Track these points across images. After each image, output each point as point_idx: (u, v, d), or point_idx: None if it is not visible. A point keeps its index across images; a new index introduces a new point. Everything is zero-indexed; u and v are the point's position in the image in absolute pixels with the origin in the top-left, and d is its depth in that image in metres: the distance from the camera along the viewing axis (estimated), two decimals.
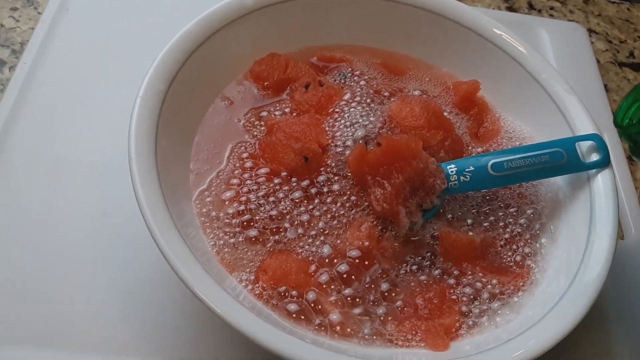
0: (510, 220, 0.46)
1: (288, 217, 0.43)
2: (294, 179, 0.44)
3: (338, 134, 0.46)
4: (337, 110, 0.48)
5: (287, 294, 0.40)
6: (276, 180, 0.44)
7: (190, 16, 0.47)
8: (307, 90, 0.49)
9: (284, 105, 0.49)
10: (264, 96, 0.50)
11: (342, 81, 0.52)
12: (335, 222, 0.43)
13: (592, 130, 0.46)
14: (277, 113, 0.48)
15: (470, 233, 0.44)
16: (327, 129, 0.47)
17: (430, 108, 0.47)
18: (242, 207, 0.43)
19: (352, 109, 0.48)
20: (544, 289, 0.42)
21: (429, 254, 0.43)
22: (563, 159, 0.44)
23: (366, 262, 0.42)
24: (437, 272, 0.43)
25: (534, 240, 0.45)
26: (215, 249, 0.41)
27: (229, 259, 0.41)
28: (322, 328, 0.39)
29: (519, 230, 0.45)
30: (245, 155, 0.46)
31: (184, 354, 0.41)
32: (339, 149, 0.45)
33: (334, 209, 0.43)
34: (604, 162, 0.45)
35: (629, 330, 0.47)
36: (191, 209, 0.43)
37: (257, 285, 0.40)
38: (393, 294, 0.41)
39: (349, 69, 0.52)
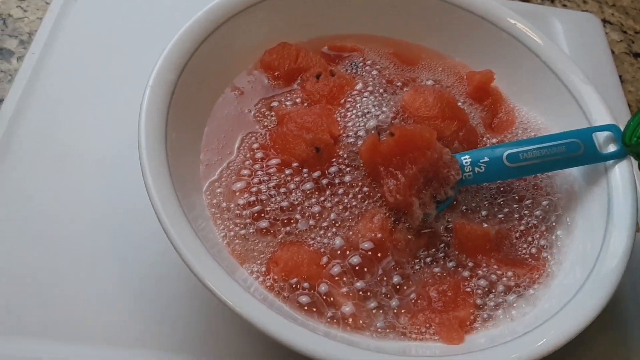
0: (526, 212, 0.45)
1: (299, 208, 0.42)
2: (305, 170, 0.44)
3: (350, 124, 0.46)
4: (349, 100, 0.47)
5: (298, 285, 0.39)
6: (287, 171, 0.43)
7: (201, 7, 0.46)
8: (319, 80, 0.48)
9: (295, 95, 0.48)
10: (275, 86, 0.49)
11: (354, 71, 0.51)
12: (347, 213, 0.42)
13: (610, 120, 0.45)
14: (288, 103, 0.48)
15: (485, 225, 0.44)
16: (338, 119, 0.46)
17: (444, 98, 0.46)
18: (253, 198, 0.42)
19: (364, 99, 0.47)
20: (560, 282, 0.42)
21: (442, 246, 0.43)
22: (580, 150, 0.43)
23: (379, 254, 0.41)
24: (451, 264, 0.42)
25: (550, 232, 0.45)
26: (226, 241, 0.41)
27: (240, 251, 0.41)
28: (335, 320, 0.39)
29: (535, 222, 0.45)
30: (255, 145, 0.45)
31: (193, 347, 0.41)
32: (351, 140, 0.45)
33: (345, 200, 0.43)
34: (622, 153, 0.44)
35: None
36: (201, 200, 0.42)
37: (268, 277, 0.40)
38: (406, 287, 0.41)
39: (361, 59, 0.52)
